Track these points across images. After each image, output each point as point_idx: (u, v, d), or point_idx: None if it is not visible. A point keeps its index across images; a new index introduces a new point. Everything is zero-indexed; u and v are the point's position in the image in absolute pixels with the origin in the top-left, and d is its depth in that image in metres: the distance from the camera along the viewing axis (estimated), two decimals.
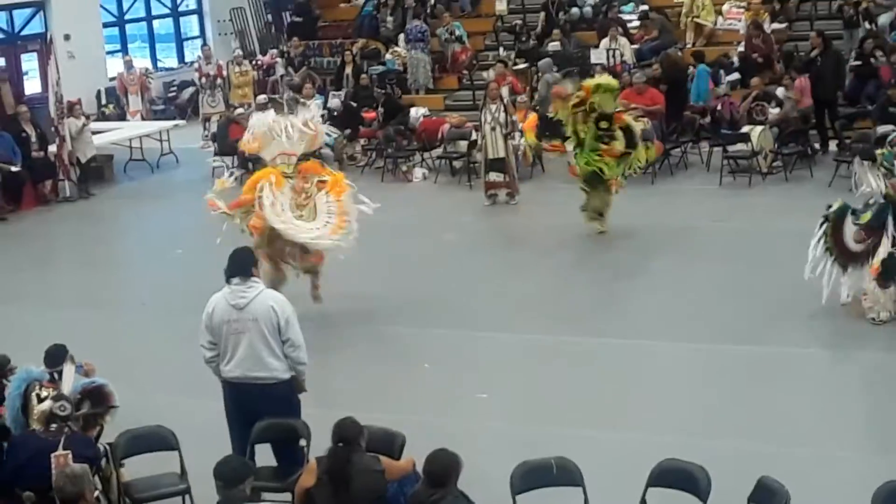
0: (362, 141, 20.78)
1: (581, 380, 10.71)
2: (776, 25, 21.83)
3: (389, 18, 25.00)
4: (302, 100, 14.13)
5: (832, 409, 9.80)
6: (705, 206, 16.49)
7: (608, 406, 10.09)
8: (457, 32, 23.95)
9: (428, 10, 25.10)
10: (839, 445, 9.11)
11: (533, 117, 19.21)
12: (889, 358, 10.77)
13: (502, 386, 10.69)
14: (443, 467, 6.68)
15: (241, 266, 8.26)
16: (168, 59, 28.49)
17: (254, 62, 25.09)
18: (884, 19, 20.76)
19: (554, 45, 22.44)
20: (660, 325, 11.85)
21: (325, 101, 21.24)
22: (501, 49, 23.54)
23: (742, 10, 22.54)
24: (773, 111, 18.45)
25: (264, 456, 8.21)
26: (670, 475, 7.34)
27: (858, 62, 19.45)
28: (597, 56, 21.52)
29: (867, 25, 20.75)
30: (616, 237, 15.12)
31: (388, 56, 24.15)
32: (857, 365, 10.87)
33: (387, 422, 8.12)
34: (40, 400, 7.76)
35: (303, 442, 8.10)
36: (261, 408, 8.16)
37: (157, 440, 8.28)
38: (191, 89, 25.53)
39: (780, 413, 9.75)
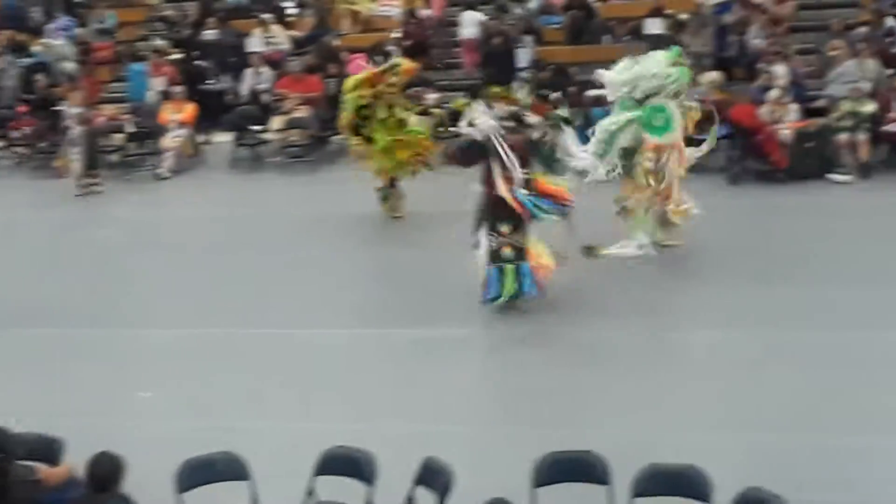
0: (15, 134, 19.84)
1: (246, 372, 10.58)
2: (429, 12, 22.24)
3: (36, 9, 23.97)
4: None
5: (493, 388, 10.09)
6: (369, 193, 16.55)
7: (274, 397, 10.03)
8: (108, 23, 23.22)
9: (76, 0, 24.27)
10: (502, 421, 9.38)
11: (190, 108, 18.97)
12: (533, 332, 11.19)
13: (166, 383, 10.45)
14: (105, 471, 6.45)
15: None
16: None
17: None
18: (533, 3, 21.50)
19: (210, 34, 22.08)
20: (324, 313, 11.86)
21: None
22: (158, 39, 22.91)
23: None
24: (431, 97, 18.78)
25: None
26: (336, 462, 7.35)
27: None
28: (253, 44, 21.34)
29: (519, 11, 21.46)
30: (282, 228, 15.05)
31: (36, 48, 23.14)
32: (506, 344, 11.16)
33: (43, 427, 7.78)
34: None
35: None
36: None
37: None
38: None
39: (444, 393, 9.93)
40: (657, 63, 12.92)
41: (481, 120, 11.57)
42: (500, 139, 11.46)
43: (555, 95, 16.58)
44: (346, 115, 15.15)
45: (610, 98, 13.29)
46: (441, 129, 16.81)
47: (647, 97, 12.82)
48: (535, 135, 11.72)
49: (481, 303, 11.48)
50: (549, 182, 11.66)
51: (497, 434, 9.17)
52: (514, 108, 11.92)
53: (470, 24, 21.24)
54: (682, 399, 9.56)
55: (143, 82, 20.80)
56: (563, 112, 12.49)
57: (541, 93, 16.84)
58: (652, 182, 12.76)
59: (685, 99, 13.10)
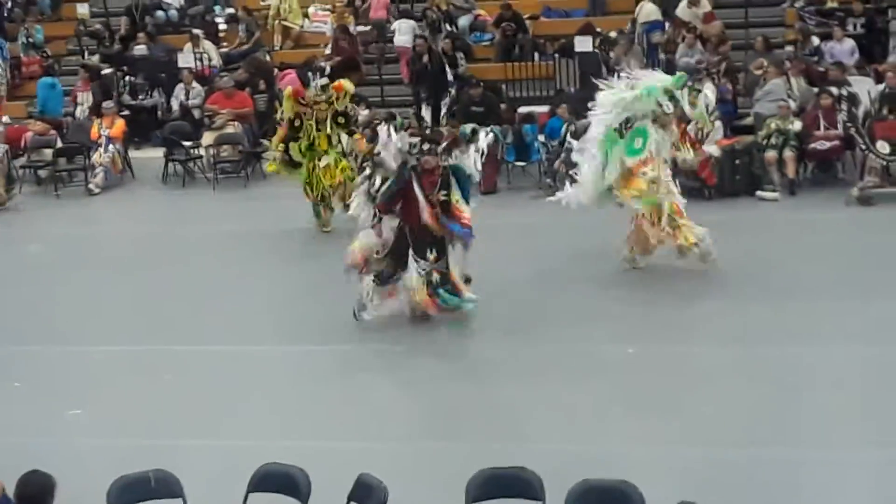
0: None
1: (177, 389, 10.52)
2: (361, 28, 22.30)
3: None
4: None
5: (422, 403, 10.15)
6: (301, 209, 16.48)
7: (205, 415, 9.97)
8: (37, 38, 23.02)
9: (5, 14, 24.05)
10: (432, 436, 9.42)
11: (120, 123, 18.86)
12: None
13: (98, 401, 10.35)
14: (35, 490, 6.37)
15: None
16: None
17: None
18: (463, 21, 21.62)
19: (140, 49, 21.98)
20: (255, 329, 11.82)
21: None
22: (86, 53, 22.74)
23: (328, 12, 22.88)
24: (364, 112, 18.80)
25: None
26: (270, 479, 7.33)
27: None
28: (184, 60, 21.26)
29: (448, 27, 21.56)
30: (213, 244, 15.00)
31: None
32: (434, 359, 11.18)
33: None
34: None
35: None
36: None
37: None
38: None
39: (374, 409, 9.96)
40: (655, 86, 12.59)
41: (393, 149, 11.54)
42: (415, 166, 11.48)
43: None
44: (280, 134, 15.26)
45: (596, 120, 12.88)
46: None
47: (629, 121, 12.60)
48: (448, 157, 11.68)
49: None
50: (460, 206, 11.62)
51: (427, 449, 9.20)
52: (425, 133, 11.99)
53: (406, 31, 21.37)
54: (616, 414, 9.62)
55: (52, 95, 20.87)
56: (467, 128, 12.31)
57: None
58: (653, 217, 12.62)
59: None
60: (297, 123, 14.97)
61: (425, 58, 19.77)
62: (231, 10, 23.35)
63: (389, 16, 22.21)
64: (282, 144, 15.21)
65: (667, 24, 20.44)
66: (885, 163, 15.43)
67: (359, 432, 9.44)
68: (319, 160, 14.92)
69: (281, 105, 15.50)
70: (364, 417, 9.78)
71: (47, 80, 21.14)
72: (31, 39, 22.87)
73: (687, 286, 12.39)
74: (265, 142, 17.37)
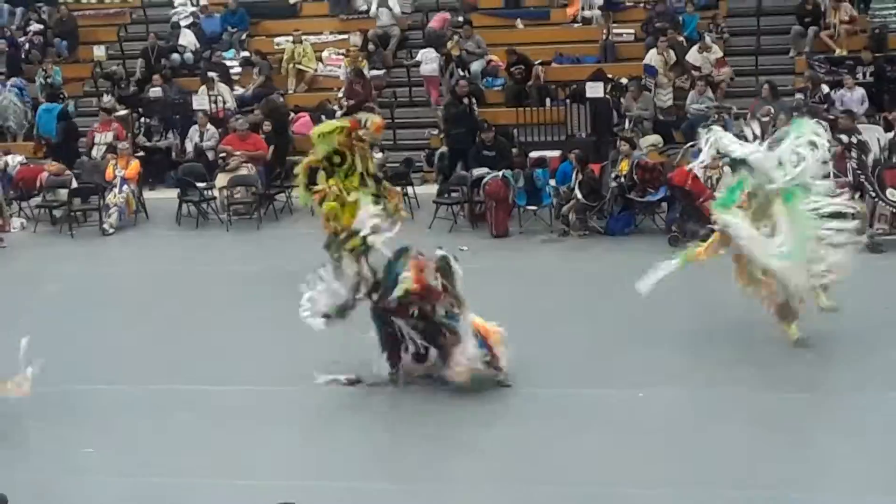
0: None
1: (192, 428, 10.61)
2: (375, 72, 22.51)
3: None
4: None
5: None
6: (314, 250, 16.60)
7: (220, 454, 10.05)
8: (54, 79, 23.27)
9: (23, 56, 24.34)
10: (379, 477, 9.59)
11: (135, 164, 19.04)
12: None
13: (110, 439, 10.45)
14: None
15: None
16: None
17: None
18: (476, 66, 21.81)
19: (155, 92, 22.20)
20: (264, 370, 11.88)
21: None
22: (106, 96, 22.85)
23: (342, 56, 23.11)
24: (378, 156, 18.93)
25: None
26: None
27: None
28: (198, 102, 21.47)
29: (461, 72, 21.74)
30: (226, 284, 15.11)
31: None
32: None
33: None
34: None
35: None
36: None
37: None
38: None
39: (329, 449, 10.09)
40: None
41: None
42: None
43: None
44: (311, 159, 14.84)
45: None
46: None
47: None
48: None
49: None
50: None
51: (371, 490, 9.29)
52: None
53: (432, 60, 21.79)
54: (559, 455, 9.71)
55: (47, 118, 21.62)
56: None
57: None
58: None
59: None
60: (336, 160, 14.66)
61: (466, 100, 19.82)
62: (246, 54, 23.59)
63: (446, 28, 22.56)
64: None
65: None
66: (894, 210, 15.53)
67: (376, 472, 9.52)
68: (349, 194, 14.70)
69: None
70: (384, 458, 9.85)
71: (47, 106, 21.86)
72: (48, 80, 23.11)
73: (698, 332, 12.45)
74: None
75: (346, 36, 23.55)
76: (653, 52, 20.52)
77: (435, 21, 22.90)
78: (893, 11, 21.52)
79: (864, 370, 11.14)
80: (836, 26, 21.14)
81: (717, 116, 18.52)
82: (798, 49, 21.34)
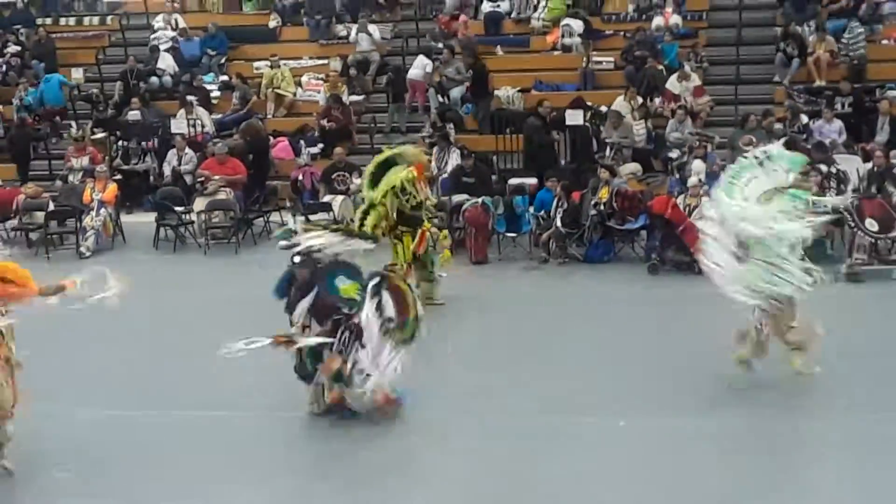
0: None
1: (162, 454, 10.49)
2: (354, 98, 22.50)
3: None
4: None
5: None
6: None
7: (191, 481, 9.95)
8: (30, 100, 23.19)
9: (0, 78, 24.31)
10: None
11: (113, 188, 18.95)
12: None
13: (83, 463, 10.29)
14: None
15: None
16: None
17: None
18: (455, 93, 21.82)
19: (134, 115, 22.13)
20: (238, 396, 11.77)
21: None
22: (73, 128, 22.51)
23: (321, 81, 23.11)
24: (356, 181, 18.89)
25: None
26: None
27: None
28: (177, 126, 21.42)
29: (440, 98, 21.78)
30: (203, 309, 14.99)
31: None
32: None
33: None
34: None
35: None
36: None
37: None
38: None
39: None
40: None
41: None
42: None
43: None
44: (386, 217, 14.29)
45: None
46: None
47: None
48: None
49: None
50: None
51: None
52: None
53: (419, 66, 22.13)
54: (535, 482, 9.60)
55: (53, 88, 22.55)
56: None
57: None
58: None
59: None
60: (413, 202, 14.38)
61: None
62: (225, 78, 23.56)
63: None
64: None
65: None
66: (873, 240, 15.57)
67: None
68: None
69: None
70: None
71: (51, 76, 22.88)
72: (24, 103, 23.02)
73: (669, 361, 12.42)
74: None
75: (325, 61, 23.59)
76: (619, 98, 20.51)
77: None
78: (862, 43, 21.65)
79: (847, 397, 11.10)
80: (819, 57, 21.25)
81: (698, 144, 18.58)
82: (782, 78, 21.43)
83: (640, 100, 20.62)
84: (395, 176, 14.22)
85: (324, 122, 21.42)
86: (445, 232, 15.34)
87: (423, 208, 14.56)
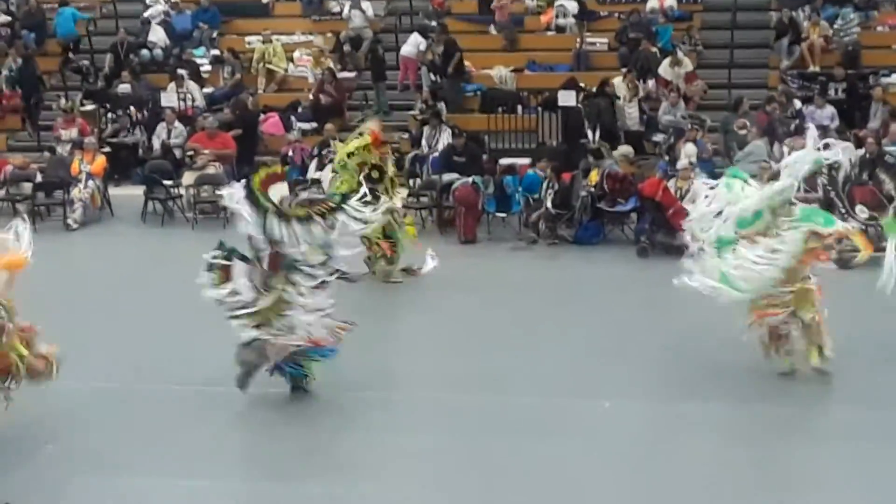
0: None
1: (148, 428, 10.44)
2: (346, 74, 22.40)
3: None
4: None
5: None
6: None
7: (164, 454, 9.90)
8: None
9: None
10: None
11: (101, 160, 18.84)
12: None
13: (70, 436, 10.25)
14: None
15: None
16: None
17: None
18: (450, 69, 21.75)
19: (124, 87, 22.00)
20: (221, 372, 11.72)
21: None
22: (63, 100, 22.36)
23: (312, 57, 22.99)
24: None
25: None
26: None
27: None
28: (167, 99, 21.31)
29: (432, 77, 21.69)
30: (190, 283, 14.87)
31: None
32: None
33: None
34: None
35: None
36: None
37: None
38: None
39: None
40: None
41: None
42: None
43: None
44: (347, 182, 14.04)
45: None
46: None
47: None
48: None
49: None
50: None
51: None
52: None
53: (412, 43, 22.06)
54: (521, 462, 9.54)
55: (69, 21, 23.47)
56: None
57: None
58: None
59: None
60: (374, 174, 14.39)
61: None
62: (216, 52, 23.43)
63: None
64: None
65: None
66: (863, 227, 15.51)
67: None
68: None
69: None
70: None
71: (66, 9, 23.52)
72: (13, 73, 22.85)
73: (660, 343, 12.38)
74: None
75: (317, 37, 23.46)
76: (618, 79, 20.44)
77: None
78: (855, 29, 21.60)
79: (834, 383, 11.07)
80: (814, 43, 21.19)
81: (690, 127, 18.53)
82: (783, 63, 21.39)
83: (690, 65, 20.74)
84: (350, 143, 14.53)
85: (321, 95, 21.31)
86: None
87: (386, 180, 14.50)
